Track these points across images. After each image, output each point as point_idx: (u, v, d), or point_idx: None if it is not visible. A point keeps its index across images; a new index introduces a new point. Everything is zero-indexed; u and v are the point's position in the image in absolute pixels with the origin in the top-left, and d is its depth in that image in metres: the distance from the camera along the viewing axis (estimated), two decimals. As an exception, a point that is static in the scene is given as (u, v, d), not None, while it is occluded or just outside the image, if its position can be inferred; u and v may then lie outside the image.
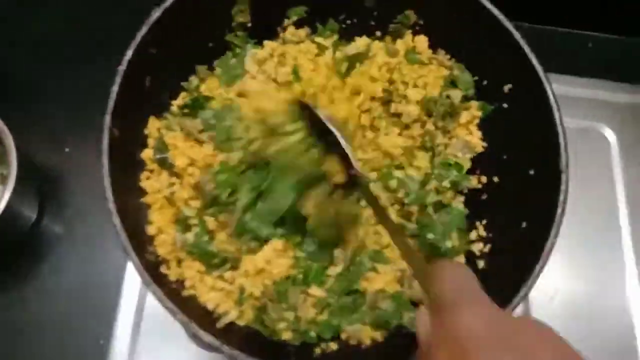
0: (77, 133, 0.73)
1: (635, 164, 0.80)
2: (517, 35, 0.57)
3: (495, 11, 0.58)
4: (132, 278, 0.66)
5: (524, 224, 0.55)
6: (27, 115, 0.70)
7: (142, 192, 0.55)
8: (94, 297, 0.66)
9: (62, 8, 0.80)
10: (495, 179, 0.61)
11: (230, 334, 0.52)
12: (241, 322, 0.53)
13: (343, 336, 0.54)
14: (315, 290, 0.55)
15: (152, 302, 0.61)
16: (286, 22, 0.63)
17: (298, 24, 0.63)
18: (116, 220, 0.48)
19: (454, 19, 0.60)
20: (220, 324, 0.51)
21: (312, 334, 0.53)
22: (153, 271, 0.49)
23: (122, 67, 0.52)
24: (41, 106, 0.74)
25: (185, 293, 0.52)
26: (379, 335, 0.54)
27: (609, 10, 0.84)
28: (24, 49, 0.78)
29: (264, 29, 0.63)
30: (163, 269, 0.52)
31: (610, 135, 0.82)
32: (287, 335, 0.52)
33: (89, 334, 0.64)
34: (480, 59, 0.61)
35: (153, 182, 0.55)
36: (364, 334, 0.54)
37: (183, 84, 0.60)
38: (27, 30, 0.78)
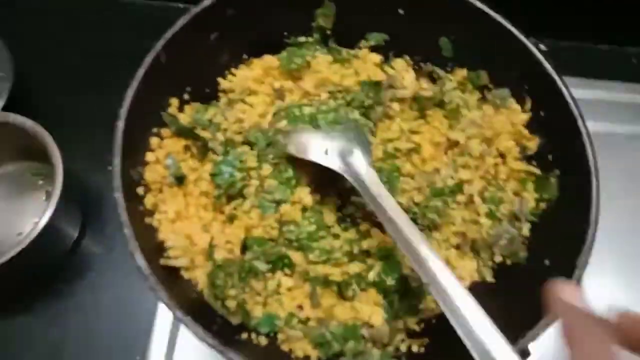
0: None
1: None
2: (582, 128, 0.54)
3: (569, 100, 0.55)
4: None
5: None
6: (70, 133, 0.70)
7: (161, 123, 0.56)
8: (131, 315, 0.66)
9: (100, 29, 0.85)
10: (509, 261, 0.55)
11: (171, 282, 0.49)
12: (186, 275, 0.50)
13: (279, 337, 0.49)
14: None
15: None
16: (363, 43, 0.64)
17: (373, 49, 0.65)
18: (119, 123, 0.49)
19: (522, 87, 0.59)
20: (164, 262, 0.49)
21: (254, 321, 0.49)
22: (129, 184, 0.49)
23: (196, 9, 0.55)
24: (83, 125, 0.77)
25: (148, 221, 0.51)
26: (314, 354, 0.48)
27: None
28: (67, 69, 0.81)
29: (340, 41, 0.64)
30: (140, 191, 0.51)
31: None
32: (231, 304, 0.49)
33: (126, 351, 0.64)
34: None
35: (184, 115, 0.56)
36: (299, 345, 0.49)
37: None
38: (68, 53, 0.83)
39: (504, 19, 0.57)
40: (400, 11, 0.61)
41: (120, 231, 0.69)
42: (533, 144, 0.58)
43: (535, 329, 0.45)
